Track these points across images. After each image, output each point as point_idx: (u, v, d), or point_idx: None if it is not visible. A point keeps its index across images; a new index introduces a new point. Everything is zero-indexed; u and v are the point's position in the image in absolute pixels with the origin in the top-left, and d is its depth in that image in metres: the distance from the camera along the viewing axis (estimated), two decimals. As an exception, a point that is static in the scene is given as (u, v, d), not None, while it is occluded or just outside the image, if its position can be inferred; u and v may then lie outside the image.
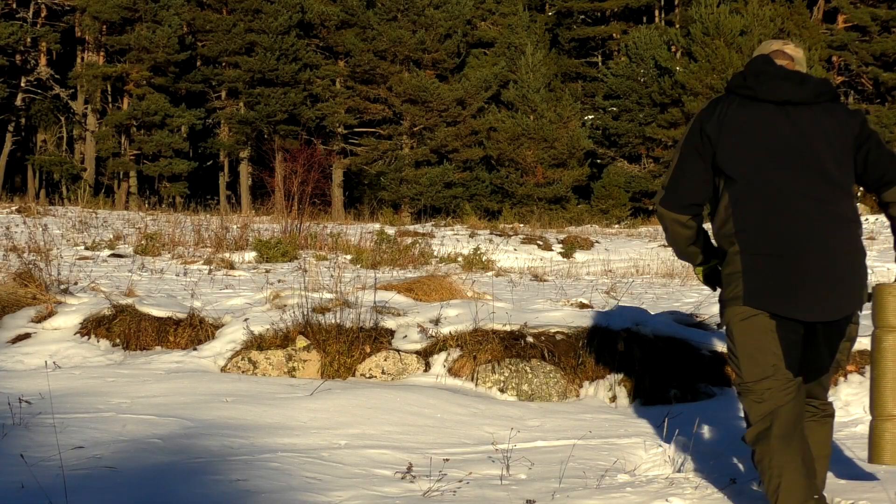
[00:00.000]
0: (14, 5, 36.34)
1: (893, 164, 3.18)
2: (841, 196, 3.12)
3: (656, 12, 44.48)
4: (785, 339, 3.08)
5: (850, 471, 3.49)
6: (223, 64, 37.22)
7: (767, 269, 3.07)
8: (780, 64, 3.24)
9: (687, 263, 3.52)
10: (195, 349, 5.36)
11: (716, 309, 6.04)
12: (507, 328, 5.21)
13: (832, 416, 3.20)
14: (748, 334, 3.09)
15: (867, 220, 23.16)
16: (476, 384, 4.99)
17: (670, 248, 3.42)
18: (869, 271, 3.23)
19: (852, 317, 3.13)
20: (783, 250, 3.06)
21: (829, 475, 3.21)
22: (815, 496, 2.92)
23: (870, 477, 3.38)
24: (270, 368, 5.16)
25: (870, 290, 3.15)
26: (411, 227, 20.48)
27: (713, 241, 3.27)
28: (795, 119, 3.14)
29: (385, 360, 5.14)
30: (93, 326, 5.58)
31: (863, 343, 5.04)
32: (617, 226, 29.04)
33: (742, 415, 3.45)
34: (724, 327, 3.18)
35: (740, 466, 3.55)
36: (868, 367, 4.90)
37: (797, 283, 3.05)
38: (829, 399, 3.28)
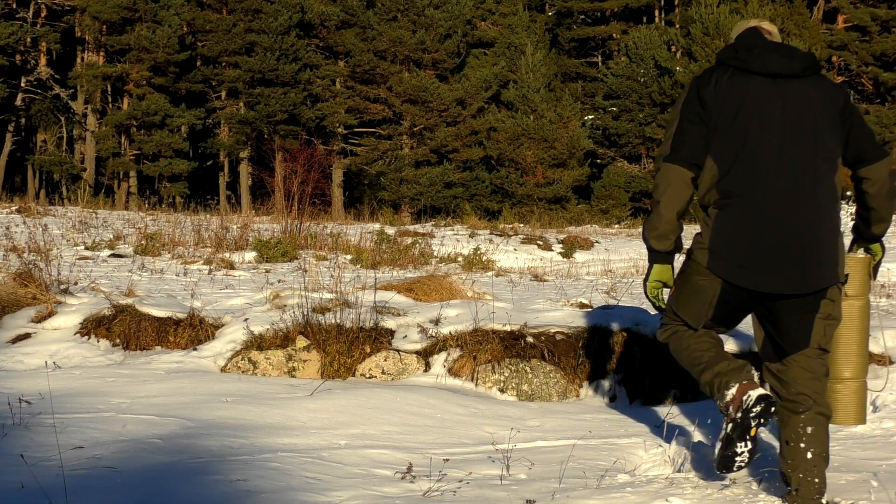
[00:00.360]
0: (14, 5, 36.34)
1: (872, 142, 3.33)
2: (827, 170, 3.21)
3: (656, 12, 44.49)
4: (728, 308, 3.26)
5: (854, 472, 3.48)
6: (223, 64, 37.22)
7: (737, 238, 3.17)
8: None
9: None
10: (195, 349, 5.36)
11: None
12: (507, 328, 5.21)
13: (827, 416, 3.18)
14: (697, 295, 3.28)
15: (867, 220, 23.16)
16: (476, 384, 4.99)
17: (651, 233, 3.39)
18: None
19: (826, 293, 3.17)
20: (759, 222, 3.16)
21: (833, 475, 3.22)
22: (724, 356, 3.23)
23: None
24: (270, 368, 5.16)
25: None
26: (411, 227, 20.48)
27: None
28: (785, 92, 3.22)
29: (385, 360, 5.14)
30: (93, 326, 5.58)
31: (863, 343, 5.05)
32: (617, 226, 29.05)
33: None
34: (682, 269, 3.33)
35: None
36: (868, 368, 4.90)
37: (762, 255, 3.15)
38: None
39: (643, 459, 3.71)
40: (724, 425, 3.13)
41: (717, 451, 3.14)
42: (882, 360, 4.96)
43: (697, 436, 4.06)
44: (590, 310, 5.74)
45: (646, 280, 3.43)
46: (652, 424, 4.35)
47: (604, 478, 3.36)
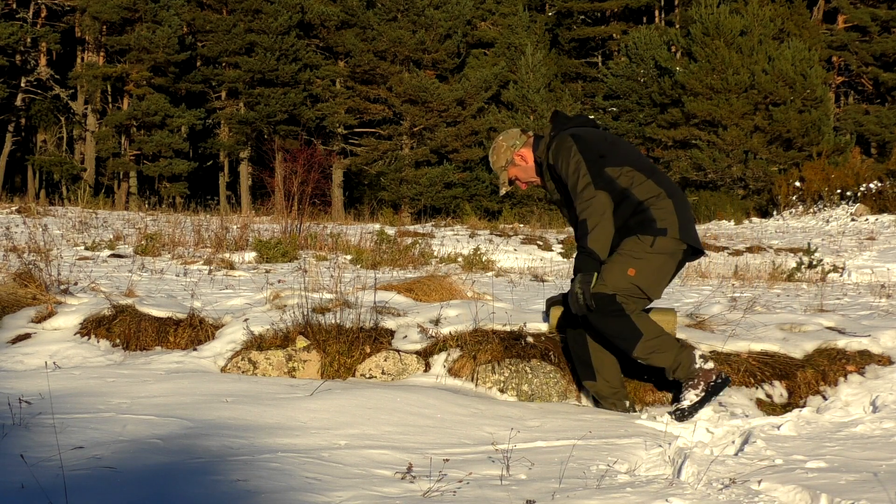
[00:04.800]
0: (14, 5, 36.37)
1: None
2: None
3: (656, 12, 44.50)
4: (677, 271, 4.57)
5: (855, 473, 3.48)
6: (223, 64, 37.24)
7: (686, 211, 4.48)
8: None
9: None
10: (195, 349, 5.35)
11: (715, 309, 6.05)
12: (507, 328, 5.21)
13: None
14: (666, 266, 4.46)
15: (867, 220, 23.14)
16: (476, 384, 4.99)
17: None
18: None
19: None
20: (687, 206, 4.56)
21: (833, 475, 3.24)
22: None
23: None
24: (270, 369, 5.16)
25: None
26: (411, 228, 20.48)
27: (637, 197, 4.47)
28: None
29: (385, 360, 5.14)
30: (93, 327, 5.58)
31: (863, 343, 5.05)
32: (617, 226, 28.98)
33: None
34: (644, 254, 4.39)
35: (740, 466, 3.55)
36: (868, 368, 4.90)
37: (694, 226, 4.56)
38: None
39: (643, 459, 3.71)
40: (695, 391, 4.39)
41: (684, 408, 4.40)
42: (882, 360, 4.95)
43: (697, 436, 4.06)
44: (590, 310, 5.73)
45: (585, 288, 4.33)
46: (652, 424, 4.36)
47: (604, 478, 3.36)
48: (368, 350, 5.18)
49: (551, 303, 5.07)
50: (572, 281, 4.45)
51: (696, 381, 4.39)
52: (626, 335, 4.41)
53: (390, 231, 16.27)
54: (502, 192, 4.88)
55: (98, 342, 5.49)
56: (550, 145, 4.61)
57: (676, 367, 4.43)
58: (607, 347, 4.64)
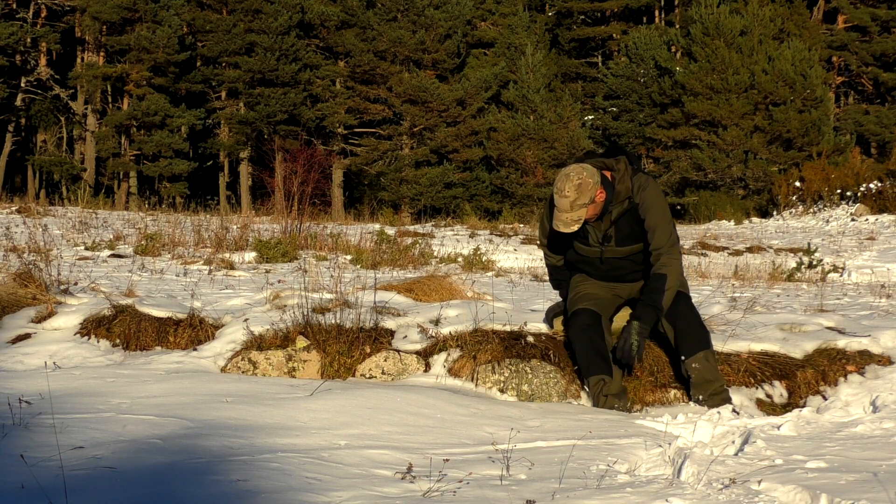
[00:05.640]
0: (14, 5, 36.38)
1: None
2: None
3: (656, 12, 44.51)
4: None
5: (856, 474, 3.48)
6: (223, 64, 37.24)
7: None
8: None
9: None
10: (195, 349, 5.35)
11: (715, 309, 6.06)
12: (507, 328, 5.21)
13: None
14: None
15: (867, 220, 23.14)
16: (476, 384, 4.99)
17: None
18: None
19: None
20: None
21: (833, 475, 3.24)
22: None
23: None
24: (270, 369, 5.16)
25: None
26: (411, 228, 20.48)
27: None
28: None
29: (385, 360, 5.14)
30: (93, 327, 5.57)
31: (863, 343, 5.05)
32: (617, 226, 28.96)
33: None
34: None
35: (741, 466, 3.55)
36: (868, 368, 4.90)
37: None
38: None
39: (643, 459, 3.71)
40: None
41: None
42: (882, 360, 4.95)
43: (697, 436, 4.06)
44: (590, 310, 5.72)
45: (642, 341, 4.53)
46: (652, 424, 4.35)
47: (604, 478, 3.36)
48: (368, 350, 5.18)
49: (553, 314, 5.12)
50: (627, 327, 4.59)
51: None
52: (703, 336, 4.70)
53: (390, 231, 16.28)
54: (574, 229, 4.48)
55: (98, 342, 5.49)
56: (637, 185, 4.58)
57: (714, 393, 4.67)
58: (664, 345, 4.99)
